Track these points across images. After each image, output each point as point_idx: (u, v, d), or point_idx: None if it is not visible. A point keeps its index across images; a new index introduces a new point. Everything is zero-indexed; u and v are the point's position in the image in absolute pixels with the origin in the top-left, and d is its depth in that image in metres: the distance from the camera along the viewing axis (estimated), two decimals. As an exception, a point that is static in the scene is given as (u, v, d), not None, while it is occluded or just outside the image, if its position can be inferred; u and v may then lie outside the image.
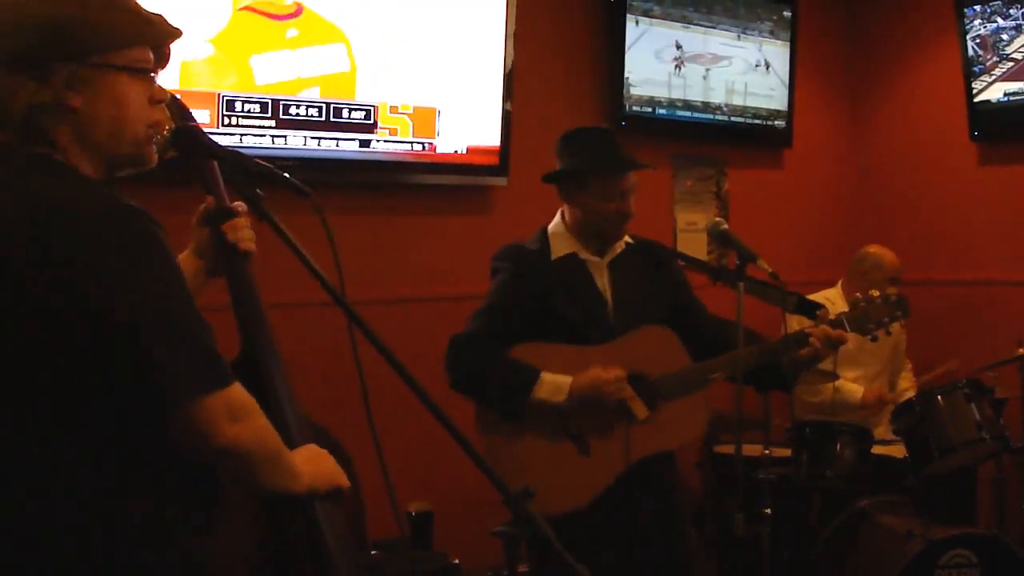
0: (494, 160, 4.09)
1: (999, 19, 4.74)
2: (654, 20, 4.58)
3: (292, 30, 3.61)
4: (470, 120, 4.01)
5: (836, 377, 3.98)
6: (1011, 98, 4.73)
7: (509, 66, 4.08)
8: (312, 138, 3.64)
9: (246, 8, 3.51)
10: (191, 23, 3.33)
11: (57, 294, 1.42)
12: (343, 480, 1.70)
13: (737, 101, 4.94)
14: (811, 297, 4.57)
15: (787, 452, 3.88)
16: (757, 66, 5.00)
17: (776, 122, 5.11)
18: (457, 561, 3.46)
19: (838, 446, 3.78)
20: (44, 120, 1.51)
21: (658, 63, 4.62)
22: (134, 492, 1.49)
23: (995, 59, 4.77)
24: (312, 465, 1.65)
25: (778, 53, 5.07)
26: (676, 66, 4.69)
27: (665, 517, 2.90)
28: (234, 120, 3.47)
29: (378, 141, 3.79)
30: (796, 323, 4.26)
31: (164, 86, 1.68)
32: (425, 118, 3.89)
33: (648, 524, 2.86)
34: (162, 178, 1.67)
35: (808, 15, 5.24)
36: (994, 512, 4.05)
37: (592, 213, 2.90)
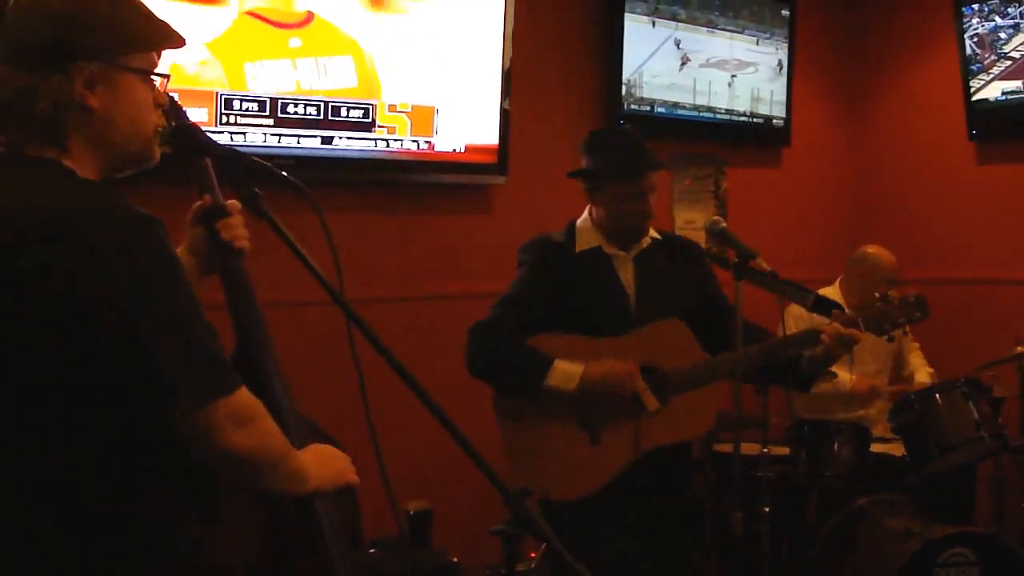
0: (492, 159, 4.09)
1: (997, 18, 4.75)
2: (653, 19, 4.58)
3: (295, 39, 3.60)
4: (469, 118, 4.01)
5: (833, 376, 3.98)
6: (1009, 97, 4.74)
7: (508, 65, 4.08)
8: (310, 137, 3.64)
9: (250, 13, 3.50)
10: (191, 25, 3.33)
11: (64, 300, 1.41)
12: (352, 476, 1.71)
13: (735, 100, 4.94)
14: (822, 291, 4.61)
15: (786, 451, 3.88)
16: (756, 65, 4.99)
17: (774, 121, 5.11)
18: (456, 560, 3.46)
19: (836, 445, 3.78)
20: (65, 120, 1.50)
21: (656, 62, 4.62)
22: (134, 495, 1.48)
23: (993, 58, 4.77)
24: (320, 466, 1.65)
25: (777, 52, 5.07)
26: (675, 65, 4.68)
27: (677, 509, 2.96)
28: (232, 119, 3.47)
29: (377, 140, 3.79)
30: (792, 321, 4.30)
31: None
32: (423, 117, 3.89)
33: (660, 515, 2.92)
34: (156, 175, 1.66)
35: (807, 14, 5.24)
36: (993, 511, 4.05)
37: (612, 212, 2.98)
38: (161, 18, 1.62)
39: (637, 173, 2.95)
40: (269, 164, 1.77)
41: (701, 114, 4.82)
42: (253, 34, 3.52)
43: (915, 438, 3.77)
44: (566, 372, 2.84)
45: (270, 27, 3.56)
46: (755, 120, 5.03)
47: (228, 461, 1.50)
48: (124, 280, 1.43)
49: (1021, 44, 4.69)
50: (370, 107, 3.76)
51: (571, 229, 3.08)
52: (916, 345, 4.64)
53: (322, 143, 3.67)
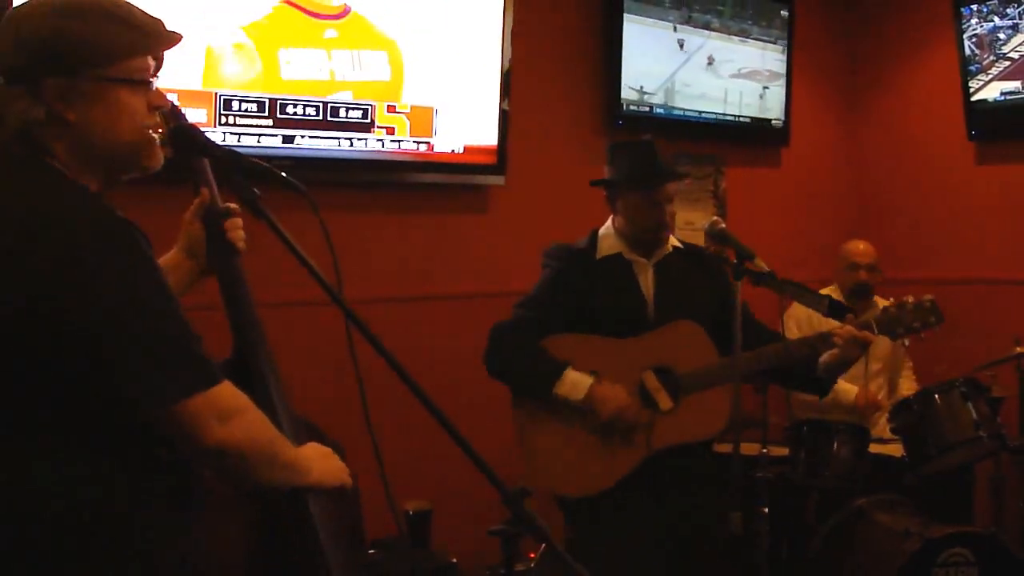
0: (491, 159, 4.09)
1: (996, 18, 4.75)
2: (651, 19, 4.58)
3: (331, 31, 3.64)
4: (467, 119, 4.01)
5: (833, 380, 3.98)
6: (1008, 97, 4.74)
7: (506, 65, 4.08)
8: (309, 137, 3.64)
9: (288, 2, 3.57)
10: (228, 9, 3.40)
11: (32, 299, 1.43)
12: (347, 479, 1.72)
13: (735, 100, 4.94)
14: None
15: (785, 451, 3.88)
16: (754, 65, 5.00)
17: (773, 121, 5.12)
18: (455, 560, 3.46)
19: (835, 445, 3.78)
20: (39, 133, 1.52)
21: (655, 62, 4.62)
22: (108, 493, 1.49)
23: (992, 58, 4.77)
24: (320, 462, 1.67)
25: (776, 52, 5.07)
26: (674, 65, 4.69)
27: (693, 508, 2.97)
28: (231, 119, 3.47)
29: (375, 140, 3.79)
30: (793, 323, 4.30)
31: (164, 88, 1.69)
32: (422, 117, 3.89)
33: (675, 514, 2.95)
34: (156, 177, 1.67)
35: (805, 14, 5.24)
36: (991, 511, 4.05)
37: (631, 220, 3.06)
38: (150, 20, 1.61)
39: (653, 183, 3.02)
40: (268, 164, 1.77)
41: (700, 114, 4.82)
42: (290, 22, 3.58)
43: (914, 438, 3.77)
44: (575, 382, 2.93)
45: (307, 16, 3.61)
46: (754, 120, 5.03)
47: (216, 456, 1.50)
48: (87, 279, 1.44)
49: (1020, 44, 4.69)
50: (369, 108, 3.76)
51: (593, 237, 3.15)
52: (910, 364, 4.64)
53: (321, 144, 3.67)
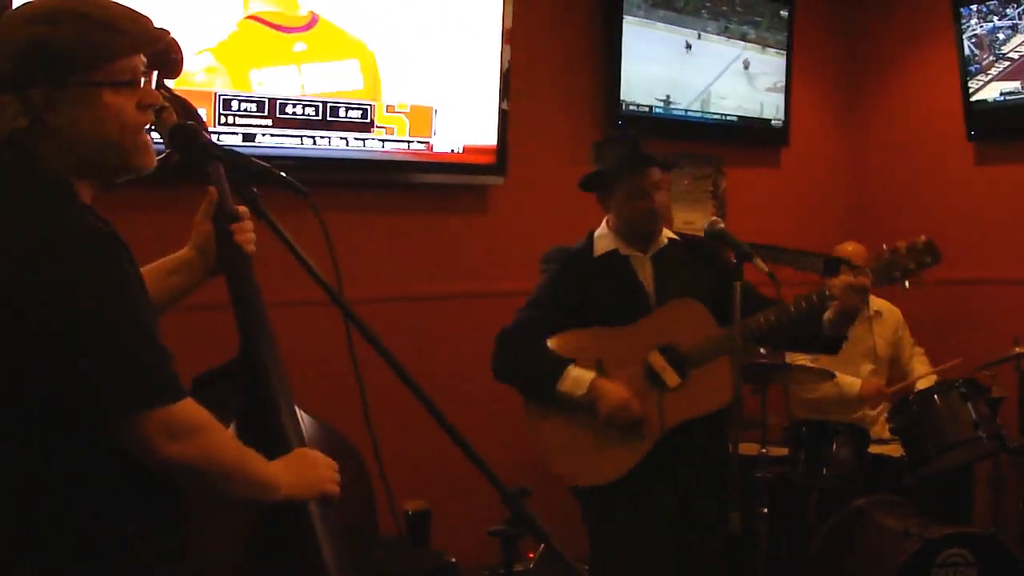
0: (491, 159, 4.09)
1: (995, 18, 4.75)
2: (651, 19, 4.58)
3: (300, 44, 3.61)
4: (467, 119, 4.01)
5: (832, 375, 3.99)
6: (1007, 97, 4.74)
7: (506, 65, 4.08)
8: (309, 137, 3.64)
9: (252, 17, 3.50)
10: (193, 30, 3.33)
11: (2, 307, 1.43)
12: (332, 488, 1.69)
13: (734, 100, 4.94)
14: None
15: (784, 451, 3.89)
16: (754, 64, 5.00)
17: (773, 121, 5.12)
18: (454, 560, 3.46)
19: (835, 445, 3.78)
20: (27, 140, 1.52)
21: (655, 62, 4.62)
22: (85, 501, 1.49)
23: (991, 58, 4.77)
24: (293, 474, 1.64)
25: (775, 52, 5.07)
26: (674, 65, 4.68)
27: (707, 486, 3.00)
28: (231, 119, 3.47)
29: (375, 140, 3.79)
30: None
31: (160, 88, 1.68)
32: (422, 117, 3.89)
33: (690, 492, 3.01)
34: (168, 178, 1.67)
35: (805, 14, 5.24)
36: (991, 511, 4.05)
37: (624, 214, 3.09)
38: (133, 20, 1.60)
39: (638, 169, 3.05)
40: (268, 165, 1.77)
41: (699, 114, 4.82)
42: (257, 38, 3.52)
43: (914, 439, 3.77)
44: (577, 378, 2.97)
45: (274, 31, 3.55)
46: (753, 120, 5.03)
47: (168, 470, 1.51)
48: (51, 287, 1.44)
49: (1020, 45, 4.69)
50: (369, 108, 3.76)
51: (589, 238, 3.18)
52: (920, 350, 4.63)
53: (321, 144, 3.67)
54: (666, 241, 3.15)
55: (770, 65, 5.06)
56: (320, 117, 3.66)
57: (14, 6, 1.71)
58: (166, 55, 1.65)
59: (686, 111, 4.77)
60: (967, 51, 4.83)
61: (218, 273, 1.88)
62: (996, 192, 4.91)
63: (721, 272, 3.07)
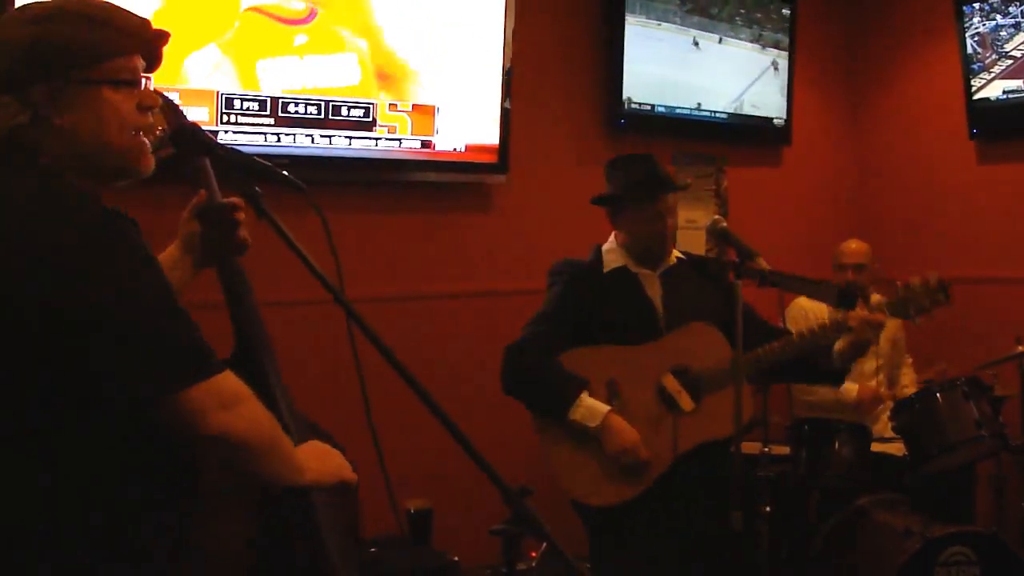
0: (493, 158, 4.09)
1: (998, 16, 4.74)
2: (653, 17, 4.58)
3: (301, 36, 3.61)
4: (469, 118, 4.01)
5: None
6: (1010, 96, 4.73)
7: (508, 64, 4.08)
8: (311, 136, 3.64)
9: (253, 9, 3.50)
10: (195, 23, 3.33)
11: (21, 297, 1.42)
12: (350, 475, 1.71)
13: (736, 98, 4.94)
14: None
15: (786, 450, 3.88)
16: (756, 63, 4.99)
17: (775, 120, 5.11)
18: (456, 559, 3.46)
19: (837, 444, 3.78)
20: (27, 138, 1.52)
21: (657, 61, 4.62)
22: (107, 502, 1.49)
23: (994, 57, 4.77)
24: (317, 461, 1.66)
25: (777, 51, 5.07)
26: (675, 64, 4.68)
27: (715, 508, 2.96)
28: (233, 118, 3.47)
29: (377, 139, 3.79)
30: (793, 324, 4.29)
31: (160, 87, 1.68)
32: (424, 116, 3.89)
33: (699, 514, 2.99)
34: (157, 176, 1.66)
35: (808, 13, 5.24)
36: (993, 510, 4.05)
37: (633, 234, 3.10)
38: (133, 20, 1.61)
39: (652, 195, 3.04)
40: (270, 163, 1.77)
41: (702, 113, 4.82)
42: (261, 31, 3.53)
43: (916, 437, 3.76)
44: (590, 410, 2.95)
45: (276, 23, 3.56)
46: (755, 119, 5.03)
47: (217, 443, 1.49)
48: (77, 273, 1.43)
49: (1022, 43, 4.69)
50: (370, 106, 3.76)
51: (597, 253, 3.17)
52: (909, 360, 4.64)
53: (322, 143, 3.67)
54: (674, 260, 3.15)
55: (772, 64, 5.05)
56: (322, 116, 3.66)
57: (16, 6, 1.71)
58: (152, 53, 1.65)
59: (688, 110, 4.76)
60: (969, 49, 4.83)
61: (205, 266, 1.87)
62: (998, 190, 4.91)
63: (727, 292, 3.04)
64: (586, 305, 3.07)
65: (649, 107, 4.62)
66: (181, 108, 1.85)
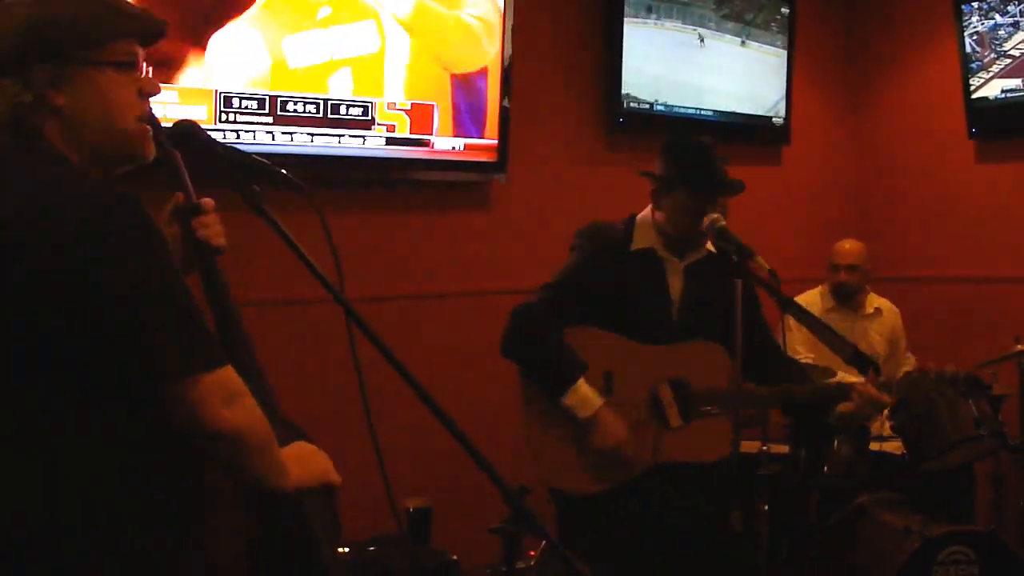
0: (492, 156, 4.09)
1: (997, 15, 4.74)
2: (652, 15, 4.58)
3: (325, 8, 3.62)
4: (468, 116, 4.00)
5: (833, 374, 3.98)
6: (1009, 95, 4.73)
7: (507, 62, 4.08)
8: (310, 135, 3.64)
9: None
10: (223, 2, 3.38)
11: (54, 280, 1.42)
12: (334, 477, 1.70)
13: (735, 97, 4.94)
14: (804, 294, 4.64)
15: (785, 449, 3.88)
16: (755, 62, 4.99)
17: (774, 119, 5.11)
18: (455, 558, 3.46)
19: (836, 443, 3.78)
20: (30, 119, 1.52)
21: (656, 59, 4.62)
22: (109, 499, 1.48)
23: (993, 56, 4.77)
24: (300, 465, 1.65)
25: (776, 49, 5.07)
26: (675, 62, 4.68)
27: (691, 516, 2.95)
28: (231, 116, 3.47)
29: (376, 138, 3.79)
30: (794, 324, 4.30)
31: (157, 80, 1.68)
32: (423, 115, 3.89)
33: (672, 520, 2.93)
34: (132, 175, 1.66)
35: (806, 12, 5.24)
36: (992, 509, 4.05)
37: (674, 221, 2.97)
38: (135, 6, 1.62)
39: (715, 192, 2.94)
40: (268, 162, 1.77)
41: (701, 112, 4.82)
42: (286, 5, 3.56)
43: (915, 436, 3.76)
44: (585, 400, 2.87)
45: None
46: (755, 118, 5.03)
47: (217, 438, 1.50)
48: (111, 255, 1.43)
49: (1021, 42, 4.69)
50: (369, 105, 3.76)
51: (630, 224, 3.05)
52: (912, 359, 4.64)
53: (321, 141, 3.67)
54: (704, 253, 3.04)
55: (771, 62, 5.06)
56: (321, 115, 3.66)
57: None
58: (150, 43, 1.65)
59: (687, 108, 4.76)
60: (968, 48, 4.83)
61: (191, 271, 1.87)
62: (997, 190, 4.91)
63: (746, 298, 2.92)
64: (602, 280, 2.96)
65: (648, 106, 4.62)
66: (180, 106, 1.85)
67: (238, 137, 3.48)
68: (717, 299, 3.00)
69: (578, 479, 2.93)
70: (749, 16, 4.94)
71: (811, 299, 4.59)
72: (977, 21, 4.80)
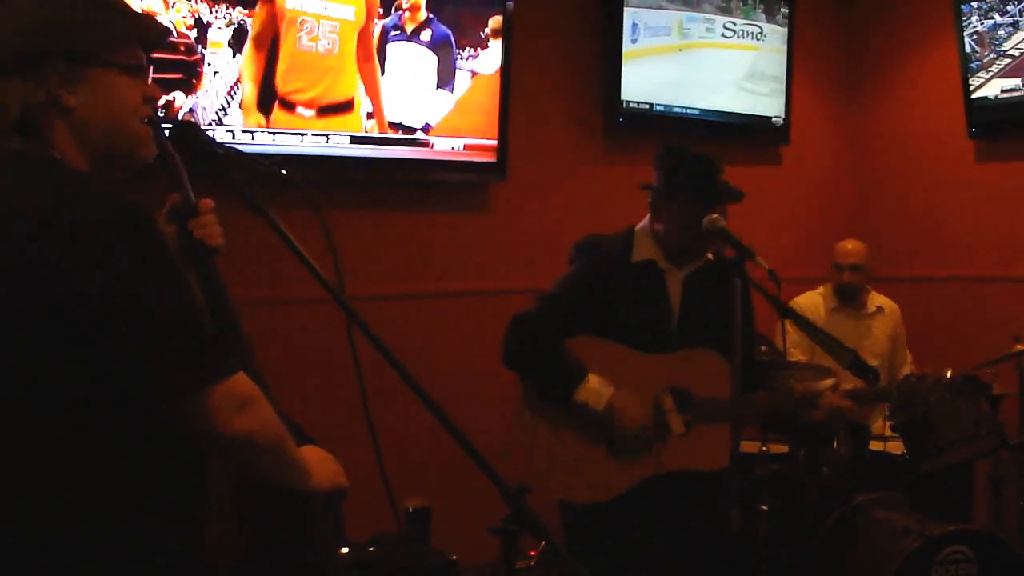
0: (492, 157, 4.09)
1: (996, 15, 4.75)
2: (651, 16, 4.58)
3: None
4: (467, 117, 4.01)
5: (832, 373, 3.98)
6: (1008, 95, 4.73)
7: (507, 63, 4.08)
8: (310, 135, 3.64)
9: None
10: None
11: (64, 290, 1.42)
12: (344, 481, 1.72)
13: (735, 97, 4.94)
14: (807, 294, 4.64)
15: (784, 448, 3.89)
16: (755, 62, 5.00)
17: (774, 119, 5.11)
18: (455, 557, 3.47)
19: (835, 442, 3.78)
20: (40, 119, 1.52)
21: (655, 60, 4.62)
22: (125, 490, 1.49)
23: (992, 55, 4.77)
24: (320, 465, 1.67)
25: (776, 49, 5.07)
26: (674, 63, 4.68)
27: (696, 525, 2.95)
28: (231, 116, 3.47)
29: (375, 138, 3.79)
30: (792, 327, 4.30)
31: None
32: (422, 115, 3.89)
33: (676, 529, 2.93)
34: (151, 175, 1.66)
35: (806, 11, 5.24)
36: (991, 508, 4.05)
37: (674, 232, 2.96)
38: (141, 13, 1.63)
39: (718, 201, 2.93)
40: (268, 163, 1.77)
41: (700, 112, 4.82)
42: None
43: (914, 436, 3.76)
44: (596, 391, 2.86)
45: None
46: (755, 118, 5.03)
47: (231, 445, 1.50)
48: (122, 265, 1.43)
49: (1020, 42, 4.69)
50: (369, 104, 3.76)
51: (629, 236, 3.05)
52: (910, 359, 4.64)
53: (321, 141, 3.67)
54: (703, 262, 3.03)
55: (771, 62, 5.06)
56: (321, 115, 3.66)
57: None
58: (150, 50, 1.66)
59: (686, 109, 4.76)
60: (968, 48, 4.83)
61: (187, 271, 1.87)
62: (997, 189, 4.91)
63: (746, 304, 2.95)
64: (603, 293, 2.96)
65: (647, 106, 4.62)
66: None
67: (238, 137, 3.48)
68: (715, 310, 2.98)
69: (581, 489, 2.90)
70: (748, 15, 4.93)
71: (814, 299, 4.59)
72: (977, 21, 4.80)
